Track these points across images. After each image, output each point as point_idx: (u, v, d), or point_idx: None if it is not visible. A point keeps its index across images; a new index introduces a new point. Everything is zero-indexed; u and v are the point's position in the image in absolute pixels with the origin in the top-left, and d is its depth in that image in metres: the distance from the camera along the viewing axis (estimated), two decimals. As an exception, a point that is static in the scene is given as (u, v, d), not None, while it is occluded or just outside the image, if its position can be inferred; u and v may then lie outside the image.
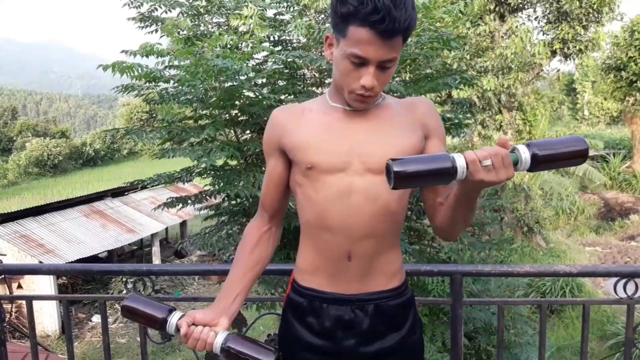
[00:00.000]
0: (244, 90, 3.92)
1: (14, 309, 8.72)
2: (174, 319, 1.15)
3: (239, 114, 4.18)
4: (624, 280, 1.68)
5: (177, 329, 1.15)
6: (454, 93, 7.75)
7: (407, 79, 4.60)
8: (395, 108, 1.23)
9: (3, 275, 7.74)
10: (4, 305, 1.85)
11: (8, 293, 8.68)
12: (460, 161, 0.94)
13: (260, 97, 3.70)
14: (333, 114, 1.21)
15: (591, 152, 18.06)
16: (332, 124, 1.20)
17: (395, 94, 3.60)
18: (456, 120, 4.50)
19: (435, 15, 4.05)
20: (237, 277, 1.27)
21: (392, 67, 1.11)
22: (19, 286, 8.92)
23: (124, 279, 2.12)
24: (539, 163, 0.95)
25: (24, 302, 1.97)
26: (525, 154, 0.94)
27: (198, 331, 1.14)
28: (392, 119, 1.20)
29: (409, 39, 4.19)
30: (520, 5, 10.73)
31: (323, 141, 1.18)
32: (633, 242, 12.52)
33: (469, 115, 4.97)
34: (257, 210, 1.36)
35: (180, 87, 3.81)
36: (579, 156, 0.96)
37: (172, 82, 3.93)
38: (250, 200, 3.62)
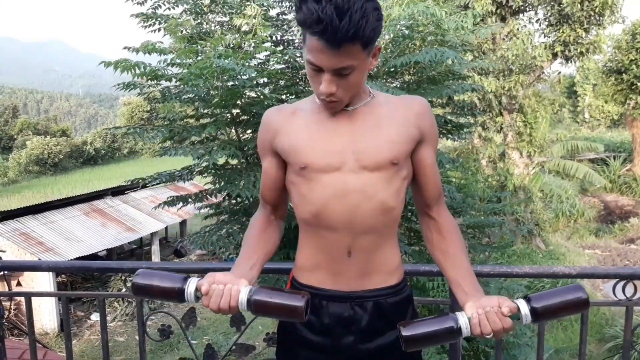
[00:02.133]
0: (245, 90, 3.93)
1: (12, 306, 8.72)
2: (192, 284, 1.07)
3: (240, 113, 4.19)
4: (622, 282, 1.68)
5: (196, 295, 1.07)
6: (455, 95, 7.75)
7: (410, 80, 4.60)
8: (386, 105, 1.23)
9: (2, 272, 7.75)
10: (3, 303, 1.85)
11: (8, 290, 8.69)
12: (462, 320, 1.05)
13: (261, 97, 3.70)
14: (323, 113, 1.21)
15: (592, 155, 18.09)
16: (323, 123, 1.20)
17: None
18: (458, 122, 4.50)
19: (443, 25, 4.05)
20: (250, 249, 1.23)
21: (355, 74, 1.10)
22: (18, 284, 8.92)
23: (123, 277, 2.12)
24: (539, 316, 1.04)
25: (23, 299, 1.97)
26: (525, 314, 1.04)
27: (220, 288, 1.05)
28: (384, 115, 1.20)
29: (414, 42, 4.21)
30: (522, 8, 10.75)
31: (315, 140, 1.18)
32: (633, 245, 12.52)
33: (469, 117, 4.98)
34: (257, 209, 1.36)
35: (182, 86, 3.81)
36: (580, 304, 1.05)
37: (174, 80, 3.94)
38: (251, 200, 3.62)
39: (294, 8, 1.04)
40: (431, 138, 1.24)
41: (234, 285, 1.05)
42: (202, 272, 1.84)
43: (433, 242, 1.27)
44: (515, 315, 1.05)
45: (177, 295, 1.07)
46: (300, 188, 1.21)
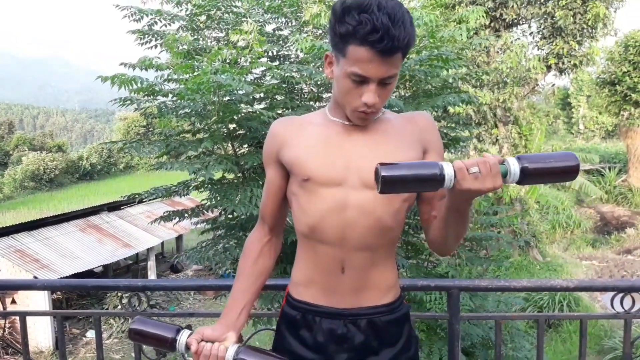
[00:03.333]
0: (242, 105, 3.94)
1: (7, 325, 8.62)
2: (183, 337, 1.17)
3: (237, 128, 4.20)
4: (621, 295, 1.68)
5: (187, 348, 1.17)
6: (450, 108, 7.79)
7: (406, 94, 4.63)
8: (394, 122, 1.24)
9: (-3, 290, 7.68)
10: (-1, 321, 1.83)
11: (1, 308, 8.60)
12: (448, 169, 0.95)
13: (257, 112, 3.72)
14: (332, 127, 1.22)
15: (587, 166, 18.15)
16: (331, 137, 1.21)
17: (394, 109, 3.63)
18: (453, 134, 4.52)
19: (437, 34, 4.09)
20: (241, 290, 1.28)
21: (393, 83, 1.13)
22: (13, 301, 8.83)
23: (119, 294, 2.11)
24: (527, 176, 0.95)
25: (17, 317, 1.96)
26: (514, 166, 0.95)
27: (208, 347, 1.16)
28: (391, 133, 1.21)
29: (409, 55, 4.24)
30: (515, 21, 10.86)
31: (321, 154, 1.19)
32: (630, 256, 12.52)
33: (465, 129, 5.00)
34: (254, 225, 1.37)
35: (179, 101, 3.82)
36: (570, 172, 0.97)
37: (170, 95, 3.95)
38: (247, 215, 3.62)
39: (331, 20, 1.03)
40: (436, 147, 1.25)
41: (221, 345, 1.16)
42: (198, 289, 1.84)
43: (434, 222, 1.21)
44: (503, 172, 0.96)
45: (170, 345, 1.17)
46: (301, 200, 1.21)
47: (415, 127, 1.23)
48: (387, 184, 0.94)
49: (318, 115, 1.28)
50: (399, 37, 1.03)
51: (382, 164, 0.95)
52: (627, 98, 16.52)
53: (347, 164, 1.17)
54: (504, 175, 0.96)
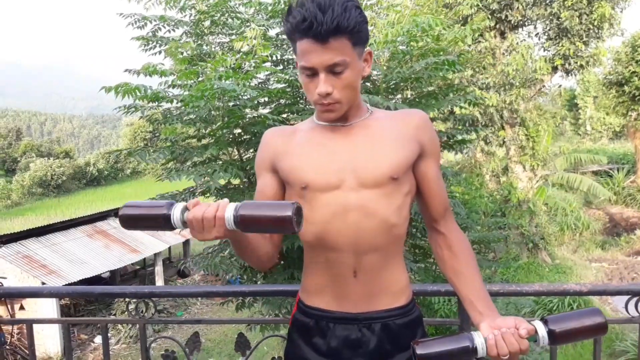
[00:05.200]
0: (246, 110, 3.93)
1: (15, 330, 8.65)
2: (176, 210, 1.03)
3: (242, 133, 4.19)
4: (635, 299, 1.65)
5: (183, 219, 1.03)
6: (457, 110, 7.78)
7: (410, 96, 4.61)
8: (385, 120, 1.22)
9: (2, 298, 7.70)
10: (6, 327, 1.82)
11: (9, 314, 8.63)
12: (478, 339, 1.03)
13: (262, 117, 3.71)
14: (319, 131, 1.21)
15: (595, 167, 18.05)
16: (321, 142, 1.20)
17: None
18: (459, 137, 4.49)
19: (435, 33, 4.07)
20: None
21: (348, 72, 1.11)
22: (21, 307, 8.87)
23: (126, 301, 2.10)
24: (556, 339, 1.02)
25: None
26: (542, 333, 1.03)
27: (203, 207, 1.02)
28: (383, 131, 1.20)
29: (413, 58, 4.23)
30: (521, 22, 10.82)
31: (315, 160, 1.18)
32: (640, 258, 12.42)
33: (471, 131, 4.98)
34: None
35: (183, 107, 3.82)
36: (598, 329, 1.03)
37: (175, 102, 3.95)
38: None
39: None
40: (432, 151, 1.23)
41: (220, 203, 1.03)
42: (205, 296, 1.83)
43: (444, 260, 1.25)
44: (532, 337, 1.03)
45: (165, 220, 1.03)
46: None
47: (409, 125, 1.21)
48: None
49: (306, 122, 1.28)
50: (327, 21, 1.04)
51: (417, 342, 1.03)
52: (635, 98, 16.43)
53: (341, 166, 1.16)
54: (533, 340, 1.04)
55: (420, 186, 1.24)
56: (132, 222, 1.06)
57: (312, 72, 1.11)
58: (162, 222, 1.04)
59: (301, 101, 4.54)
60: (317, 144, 1.20)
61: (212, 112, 3.73)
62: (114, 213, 12.86)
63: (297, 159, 1.20)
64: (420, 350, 1.01)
